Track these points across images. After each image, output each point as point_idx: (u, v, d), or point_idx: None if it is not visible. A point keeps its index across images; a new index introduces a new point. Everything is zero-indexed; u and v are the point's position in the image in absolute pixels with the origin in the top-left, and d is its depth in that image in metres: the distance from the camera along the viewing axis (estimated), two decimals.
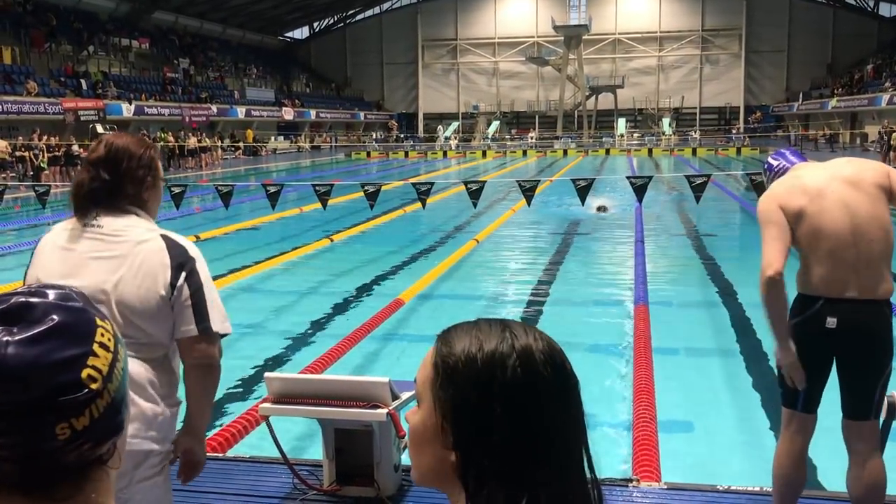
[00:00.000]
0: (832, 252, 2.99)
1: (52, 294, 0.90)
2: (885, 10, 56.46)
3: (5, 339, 0.84)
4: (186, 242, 2.36)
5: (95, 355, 0.88)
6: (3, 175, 25.08)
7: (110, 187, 2.32)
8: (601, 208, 15.48)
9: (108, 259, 2.26)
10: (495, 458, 0.88)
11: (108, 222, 2.31)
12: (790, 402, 3.16)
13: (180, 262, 2.28)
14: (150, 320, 2.24)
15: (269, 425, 3.67)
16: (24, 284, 2.25)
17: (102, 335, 0.90)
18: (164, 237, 2.32)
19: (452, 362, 0.91)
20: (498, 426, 0.88)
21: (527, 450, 0.89)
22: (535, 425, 0.89)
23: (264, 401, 3.75)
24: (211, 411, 2.46)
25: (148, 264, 2.25)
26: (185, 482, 2.42)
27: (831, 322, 2.98)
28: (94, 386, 0.87)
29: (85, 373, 0.87)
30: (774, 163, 3.38)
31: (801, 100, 51.75)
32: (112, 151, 2.35)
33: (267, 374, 3.75)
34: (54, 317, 0.87)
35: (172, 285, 2.25)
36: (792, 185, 3.11)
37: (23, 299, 0.88)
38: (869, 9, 56.65)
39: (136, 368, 2.18)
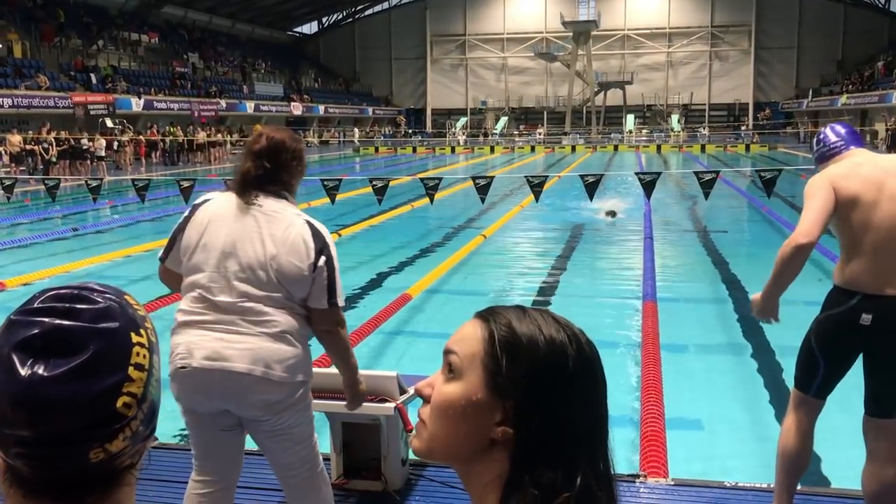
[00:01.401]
0: (878, 247, 2.95)
1: (88, 313, 0.86)
2: None
3: (40, 373, 0.82)
4: (324, 229, 2.81)
5: (131, 380, 0.87)
6: (15, 169, 25.20)
7: (271, 175, 2.78)
8: (611, 213, 14.85)
9: (269, 235, 2.70)
10: (552, 440, 0.92)
11: (267, 203, 2.76)
12: (804, 386, 3.15)
13: (320, 247, 2.73)
14: (295, 285, 2.71)
15: None
16: (183, 247, 2.73)
17: (137, 354, 0.88)
18: (308, 223, 2.77)
19: (514, 342, 0.93)
20: (560, 410, 0.92)
21: (578, 435, 0.93)
22: (591, 412, 0.95)
23: None
24: (351, 360, 2.93)
25: (297, 244, 2.70)
26: (354, 410, 3.11)
27: (866, 318, 2.95)
28: (129, 413, 0.86)
29: (120, 402, 0.86)
30: (832, 138, 3.21)
31: (810, 97, 51.52)
32: (272, 144, 2.81)
33: None
34: (90, 347, 0.84)
35: (314, 265, 2.71)
36: (850, 171, 3.03)
37: (57, 322, 0.85)
38: (880, 5, 56.31)
39: (289, 320, 2.71)
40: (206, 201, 2.85)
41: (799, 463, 3.19)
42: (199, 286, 2.72)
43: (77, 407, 0.83)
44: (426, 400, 0.98)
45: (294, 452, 2.78)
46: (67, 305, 0.86)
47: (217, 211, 2.78)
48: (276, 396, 2.67)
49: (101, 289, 0.91)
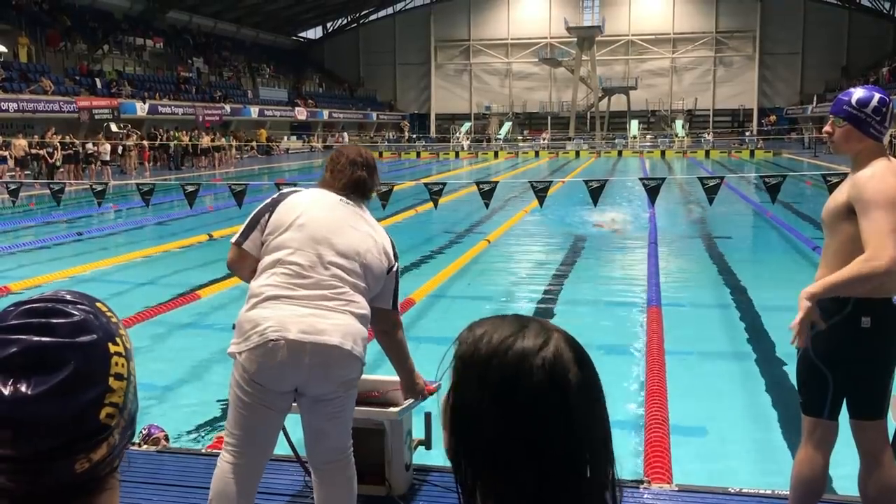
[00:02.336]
0: None
1: (64, 327, 0.86)
2: None
3: (23, 391, 0.81)
4: (391, 237, 3.11)
5: (112, 390, 0.87)
6: (20, 173, 25.27)
7: (370, 186, 3.13)
8: (612, 228, 14.46)
9: (361, 232, 2.98)
10: (479, 446, 0.93)
11: (358, 207, 3.06)
12: (816, 408, 3.05)
13: (396, 255, 3.09)
14: (375, 282, 2.98)
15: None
16: (273, 225, 2.93)
17: (116, 364, 0.88)
18: (385, 233, 3.10)
19: (462, 346, 0.97)
20: (483, 414, 0.91)
21: (511, 461, 0.91)
22: (531, 436, 0.90)
23: None
24: (409, 361, 3.29)
25: (383, 247, 3.02)
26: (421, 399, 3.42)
27: (866, 321, 2.90)
28: (112, 423, 0.87)
29: (103, 413, 0.86)
30: (888, 121, 2.90)
31: (815, 102, 51.46)
32: (371, 159, 3.18)
33: None
34: (69, 362, 0.84)
35: (389, 269, 3.03)
36: None
37: (35, 339, 0.83)
38: (885, 11, 56.26)
39: (366, 305, 2.94)
40: (295, 191, 3.11)
41: (816, 490, 3.11)
42: (290, 262, 2.86)
43: (62, 423, 0.83)
44: None
45: (344, 436, 2.97)
46: (43, 320, 0.85)
47: (314, 198, 3.02)
48: (354, 373, 2.88)
49: (74, 299, 0.90)
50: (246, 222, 3.01)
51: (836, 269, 2.91)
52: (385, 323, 3.10)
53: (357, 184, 3.07)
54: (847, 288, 2.84)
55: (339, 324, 2.79)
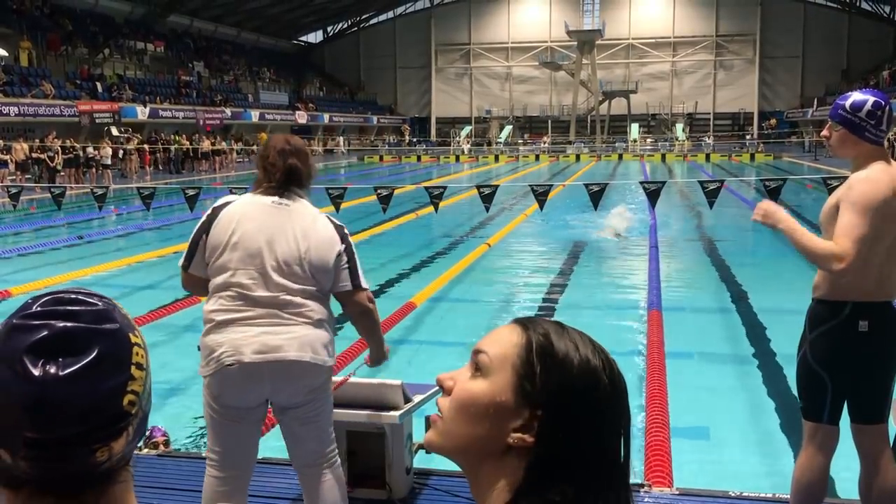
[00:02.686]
0: (872, 256, 2.85)
1: (88, 314, 0.88)
2: None
3: (53, 373, 0.83)
4: (340, 221, 3.03)
5: (133, 378, 0.89)
6: (20, 177, 25.29)
7: (302, 175, 2.99)
8: (615, 234, 13.85)
9: (300, 230, 2.88)
10: (574, 459, 0.91)
11: (291, 202, 2.94)
12: (815, 413, 3.04)
13: (341, 235, 2.96)
14: (325, 276, 2.90)
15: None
16: (210, 248, 2.85)
17: (137, 353, 0.90)
18: (328, 217, 3.00)
19: (551, 353, 0.93)
20: (587, 431, 0.91)
21: (601, 461, 0.92)
22: (616, 441, 0.93)
23: None
24: (380, 333, 3.21)
25: (324, 236, 2.91)
26: (376, 364, 3.32)
27: (863, 325, 2.90)
28: (133, 410, 0.88)
29: (126, 400, 0.87)
30: (884, 125, 2.89)
31: (815, 106, 51.48)
32: (300, 147, 3.06)
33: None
34: (95, 346, 0.86)
35: (339, 254, 2.92)
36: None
37: (62, 324, 0.85)
38: (885, 14, 56.30)
39: (323, 309, 2.91)
40: (226, 204, 2.97)
41: (816, 495, 3.10)
42: (234, 284, 2.83)
43: (89, 405, 0.84)
44: (447, 392, 0.96)
45: (321, 440, 2.97)
46: (68, 308, 0.87)
47: (244, 211, 2.91)
48: (320, 380, 2.88)
49: (92, 292, 0.93)
50: (188, 244, 2.97)
51: None
52: (354, 306, 3.01)
53: (291, 172, 2.95)
54: (799, 247, 2.86)
55: (293, 337, 2.79)
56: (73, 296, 0.90)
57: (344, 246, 2.94)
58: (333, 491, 3.00)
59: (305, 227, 2.89)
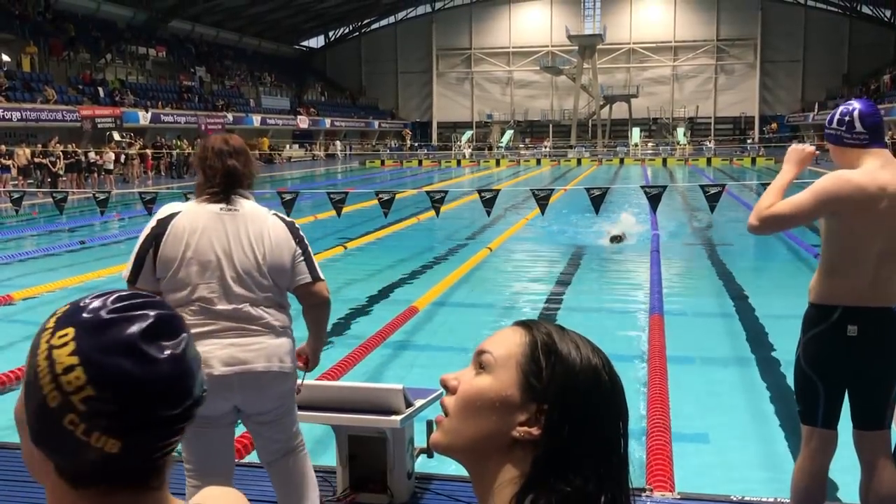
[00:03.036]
0: (863, 261, 2.93)
1: (162, 303, 0.91)
2: None
3: (173, 351, 0.86)
4: (290, 217, 3.04)
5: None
6: (23, 182, 25.34)
7: (244, 175, 2.93)
8: (616, 238, 13.24)
9: (255, 237, 2.86)
10: (580, 450, 0.94)
11: (240, 205, 2.89)
12: (810, 417, 3.06)
13: (294, 231, 2.96)
14: (283, 277, 2.91)
15: None
16: (163, 263, 2.80)
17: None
18: (276, 215, 2.99)
19: (554, 350, 0.96)
20: (592, 423, 0.95)
21: (605, 451, 0.95)
22: (618, 436, 0.96)
23: None
24: (325, 331, 3.19)
25: (279, 239, 2.89)
26: (311, 370, 3.25)
27: (852, 330, 2.91)
28: (204, 393, 0.92)
29: (200, 389, 0.91)
30: (858, 128, 2.98)
31: (816, 110, 51.50)
32: (239, 146, 2.98)
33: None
34: (182, 330, 0.89)
35: (293, 253, 2.92)
36: (866, 184, 2.89)
37: (157, 311, 0.87)
38: (885, 19, 56.34)
39: (283, 316, 2.93)
40: (172, 215, 2.87)
41: (815, 498, 3.09)
42: (196, 300, 2.80)
43: (194, 381, 0.88)
44: (451, 391, 0.99)
45: (287, 434, 3.05)
46: (143, 300, 0.89)
47: (194, 223, 2.84)
48: (286, 386, 2.94)
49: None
50: (132, 258, 2.88)
51: (823, 263, 3.02)
52: (313, 297, 2.98)
53: (230, 175, 2.87)
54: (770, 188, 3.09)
55: (260, 348, 2.83)
56: (128, 292, 0.92)
57: (297, 240, 2.94)
58: (298, 483, 3.07)
59: (258, 231, 2.86)
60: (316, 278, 2.96)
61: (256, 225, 2.86)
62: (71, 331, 0.84)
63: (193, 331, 2.73)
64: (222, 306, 2.79)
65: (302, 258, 2.93)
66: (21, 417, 0.89)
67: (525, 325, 1.01)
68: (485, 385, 0.96)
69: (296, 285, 2.94)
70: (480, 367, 0.98)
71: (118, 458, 0.84)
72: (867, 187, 2.90)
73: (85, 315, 0.85)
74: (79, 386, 0.82)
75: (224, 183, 2.86)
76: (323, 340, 3.21)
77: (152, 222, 2.90)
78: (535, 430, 0.94)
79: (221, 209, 2.85)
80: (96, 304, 0.87)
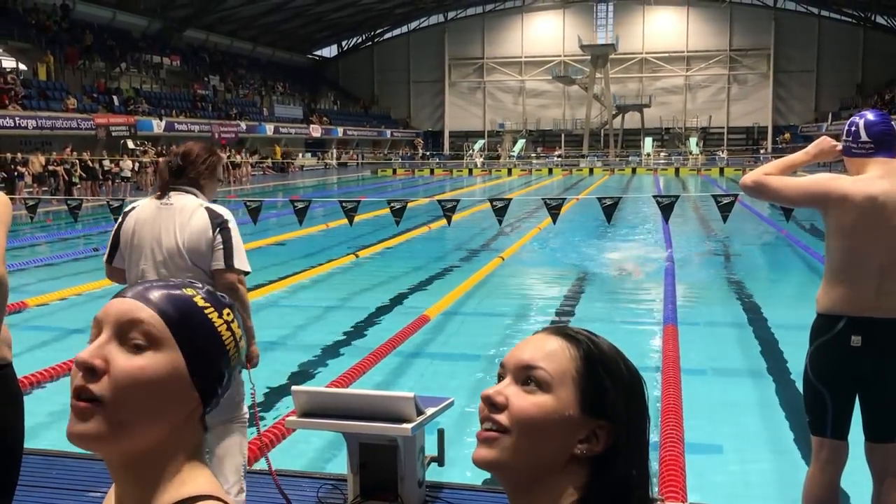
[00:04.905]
0: (863, 271, 2.96)
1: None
2: None
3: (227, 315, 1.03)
4: (223, 211, 3.40)
5: None
6: (37, 189, 25.54)
7: (181, 170, 3.44)
8: (625, 270, 11.95)
9: (179, 225, 3.35)
10: (635, 452, 0.99)
11: (177, 200, 3.40)
12: (819, 428, 3.04)
13: (217, 222, 3.35)
14: (202, 260, 3.35)
15: (267, 461, 3.83)
16: (120, 249, 3.45)
17: None
18: (207, 208, 3.38)
19: (607, 364, 0.99)
20: (642, 425, 1.00)
21: (646, 442, 1.01)
22: (647, 422, 1.02)
23: (290, 414, 3.78)
24: (247, 322, 3.42)
25: (199, 226, 3.34)
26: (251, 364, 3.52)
27: (856, 340, 2.90)
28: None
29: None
30: (863, 136, 3.03)
31: (830, 120, 51.23)
32: (185, 149, 3.51)
33: (294, 388, 3.77)
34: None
35: (211, 238, 3.34)
36: (866, 190, 2.93)
37: (203, 286, 1.05)
38: None
39: None
40: (132, 210, 3.53)
41: None
42: (134, 278, 3.43)
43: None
44: (498, 407, 0.98)
45: (228, 407, 3.33)
46: (186, 281, 1.08)
47: (140, 216, 3.46)
48: None
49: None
50: (109, 243, 3.56)
51: (826, 273, 3.06)
52: (220, 283, 3.31)
53: (170, 174, 3.45)
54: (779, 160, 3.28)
55: None
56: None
57: (218, 230, 3.34)
58: (225, 447, 3.35)
59: (183, 221, 3.35)
60: (229, 267, 3.34)
61: (183, 216, 3.36)
62: (231, 312, 1.04)
63: None
64: None
65: (221, 247, 3.34)
66: (176, 382, 0.96)
67: (563, 333, 1.01)
68: (548, 405, 0.96)
69: (211, 269, 3.35)
70: (531, 382, 0.97)
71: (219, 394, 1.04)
72: (851, 195, 2.92)
73: (226, 301, 1.05)
74: (242, 348, 1.04)
75: (164, 181, 3.48)
76: (249, 326, 3.48)
77: (121, 215, 3.56)
78: (597, 447, 0.96)
79: (160, 203, 3.42)
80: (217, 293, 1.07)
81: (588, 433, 0.96)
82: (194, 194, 3.43)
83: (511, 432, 0.96)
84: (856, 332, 2.90)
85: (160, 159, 33.21)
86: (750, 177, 3.19)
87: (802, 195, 3.07)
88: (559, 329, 1.02)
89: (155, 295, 0.98)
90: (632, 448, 0.97)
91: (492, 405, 0.98)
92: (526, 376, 0.98)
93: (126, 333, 0.95)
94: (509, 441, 0.96)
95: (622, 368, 0.99)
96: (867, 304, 2.91)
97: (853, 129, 3.07)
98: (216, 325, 1.00)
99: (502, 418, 0.97)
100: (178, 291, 1.00)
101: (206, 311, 1.00)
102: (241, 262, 3.38)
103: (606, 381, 0.97)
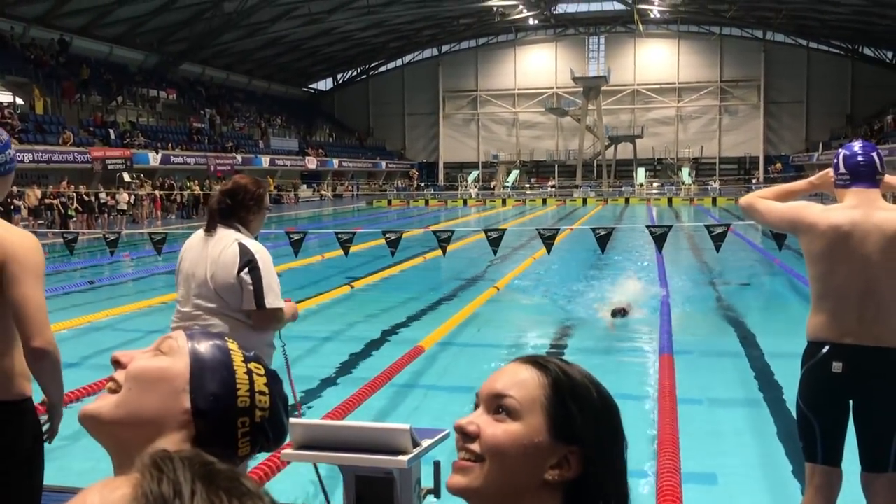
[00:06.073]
0: (839, 297, 3.07)
1: None
2: None
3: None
4: (255, 247, 3.55)
5: None
6: (33, 222, 25.55)
7: (230, 210, 3.61)
8: (618, 312, 10.54)
9: (211, 258, 3.53)
10: (609, 478, 1.00)
11: (219, 233, 3.59)
12: (810, 454, 3.06)
13: (246, 260, 3.48)
14: (228, 294, 3.50)
15: None
16: (180, 275, 3.71)
17: None
18: (239, 243, 3.53)
19: (576, 391, 1.01)
20: (614, 452, 1.01)
21: (621, 470, 1.03)
22: (621, 447, 1.04)
23: (286, 447, 3.77)
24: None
25: (226, 261, 3.50)
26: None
27: (837, 366, 2.95)
28: None
29: None
30: (841, 168, 3.19)
31: (820, 150, 51.70)
32: (235, 186, 3.66)
33: (290, 420, 3.76)
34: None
35: (241, 276, 3.47)
36: (837, 220, 3.04)
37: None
38: (888, 60, 56.83)
39: (224, 325, 3.47)
40: (191, 235, 3.80)
41: None
42: (177, 301, 3.72)
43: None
44: (469, 435, 1.00)
45: None
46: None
47: (188, 244, 3.72)
48: None
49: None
50: None
51: (812, 301, 3.13)
52: (256, 324, 3.53)
53: (214, 212, 3.64)
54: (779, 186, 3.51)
55: None
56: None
57: (248, 269, 3.47)
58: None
59: (216, 255, 3.53)
60: (260, 307, 3.48)
61: (216, 250, 3.54)
62: (263, 370, 1.10)
63: (172, 325, 3.49)
64: (185, 309, 3.61)
65: (251, 287, 3.47)
66: (172, 381, 1.04)
67: (533, 362, 1.03)
68: (517, 432, 0.98)
69: (245, 309, 3.50)
70: (502, 410, 0.99)
71: (241, 456, 1.07)
72: (818, 223, 3.02)
73: (268, 367, 1.13)
74: (264, 407, 1.07)
75: (209, 217, 3.68)
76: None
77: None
78: (568, 473, 0.97)
79: (204, 236, 3.63)
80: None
81: (559, 459, 0.97)
82: (237, 229, 3.60)
83: (484, 460, 0.98)
84: (837, 359, 2.94)
85: (158, 192, 33.38)
86: (746, 198, 3.43)
87: (780, 219, 3.23)
88: (530, 358, 1.04)
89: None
90: (605, 473, 0.98)
91: (464, 434, 1.00)
92: (497, 405, 1.00)
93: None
94: (482, 469, 0.98)
95: (593, 394, 1.00)
96: (849, 331, 2.94)
97: (836, 160, 3.23)
98: (235, 363, 1.08)
99: (475, 447, 0.99)
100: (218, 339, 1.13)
101: (232, 352, 1.09)
102: (272, 300, 3.50)
103: (574, 407, 0.98)
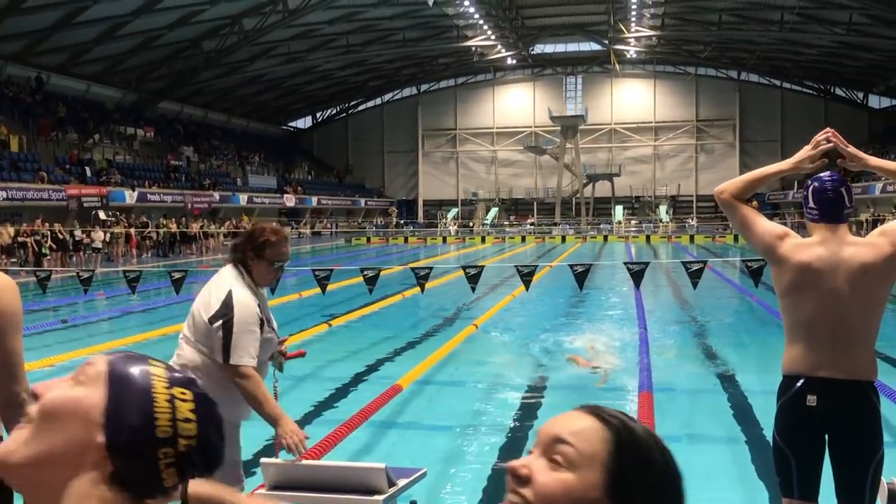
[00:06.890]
0: (810, 330, 3.07)
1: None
2: (875, 101, 57.95)
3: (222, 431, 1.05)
4: (240, 300, 3.47)
5: None
6: (6, 260, 25.20)
7: (233, 247, 3.74)
8: (595, 368, 9.61)
9: (207, 291, 3.58)
10: None
11: (224, 269, 3.65)
12: (786, 489, 3.06)
13: (224, 311, 3.44)
14: (200, 333, 3.53)
15: None
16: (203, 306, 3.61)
17: None
18: (229, 291, 3.49)
19: (640, 453, 0.96)
20: None
21: None
22: None
23: (259, 488, 3.69)
24: (263, 409, 3.52)
25: (208, 301, 3.52)
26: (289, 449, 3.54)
27: (811, 399, 2.95)
28: None
29: None
30: (810, 202, 3.23)
31: (796, 188, 52.47)
32: (252, 226, 3.81)
33: (263, 460, 3.69)
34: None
35: (211, 322, 3.46)
36: (803, 254, 3.07)
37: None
38: (858, 100, 58.11)
39: (194, 356, 3.52)
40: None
41: None
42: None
43: None
44: (523, 480, 0.96)
45: None
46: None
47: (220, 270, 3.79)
48: None
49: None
50: None
51: (785, 334, 3.11)
52: (228, 374, 3.45)
53: (232, 251, 3.74)
54: (756, 179, 3.48)
55: None
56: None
57: (221, 322, 3.43)
58: None
59: (209, 291, 3.57)
60: (225, 361, 3.43)
61: (213, 285, 3.58)
62: (190, 394, 1.01)
63: None
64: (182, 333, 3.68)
65: (220, 338, 3.43)
66: (85, 413, 0.97)
67: (599, 416, 0.98)
68: (571, 484, 0.93)
69: (216, 359, 3.47)
70: (558, 458, 0.95)
71: (167, 487, 0.99)
72: (787, 257, 3.04)
73: (198, 389, 1.03)
74: (189, 435, 0.99)
75: (230, 251, 3.78)
76: (265, 415, 3.54)
77: None
78: None
79: (225, 264, 3.74)
80: (197, 381, 1.06)
81: None
82: (240, 272, 3.58)
83: None
84: (811, 392, 2.94)
85: (131, 230, 33.13)
86: (726, 184, 3.36)
87: (756, 237, 3.18)
88: (594, 408, 1.00)
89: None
90: None
91: (516, 477, 0.96)
92: (554, 451, 0.96)
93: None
94: None
95: (657, 456, 0.96)
96: (822, 364, 2.94)
97: (805, 194, 3.26)
98: (155, 390, 0.99)
99: (527, 492, 0.95)
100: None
101: (153, 378, 1.01)
102: (238, 356, 3.42)
103: (635, 468, 0.94)
